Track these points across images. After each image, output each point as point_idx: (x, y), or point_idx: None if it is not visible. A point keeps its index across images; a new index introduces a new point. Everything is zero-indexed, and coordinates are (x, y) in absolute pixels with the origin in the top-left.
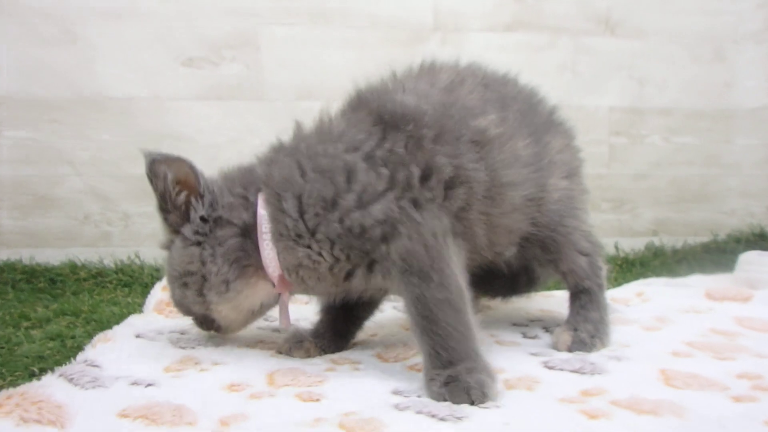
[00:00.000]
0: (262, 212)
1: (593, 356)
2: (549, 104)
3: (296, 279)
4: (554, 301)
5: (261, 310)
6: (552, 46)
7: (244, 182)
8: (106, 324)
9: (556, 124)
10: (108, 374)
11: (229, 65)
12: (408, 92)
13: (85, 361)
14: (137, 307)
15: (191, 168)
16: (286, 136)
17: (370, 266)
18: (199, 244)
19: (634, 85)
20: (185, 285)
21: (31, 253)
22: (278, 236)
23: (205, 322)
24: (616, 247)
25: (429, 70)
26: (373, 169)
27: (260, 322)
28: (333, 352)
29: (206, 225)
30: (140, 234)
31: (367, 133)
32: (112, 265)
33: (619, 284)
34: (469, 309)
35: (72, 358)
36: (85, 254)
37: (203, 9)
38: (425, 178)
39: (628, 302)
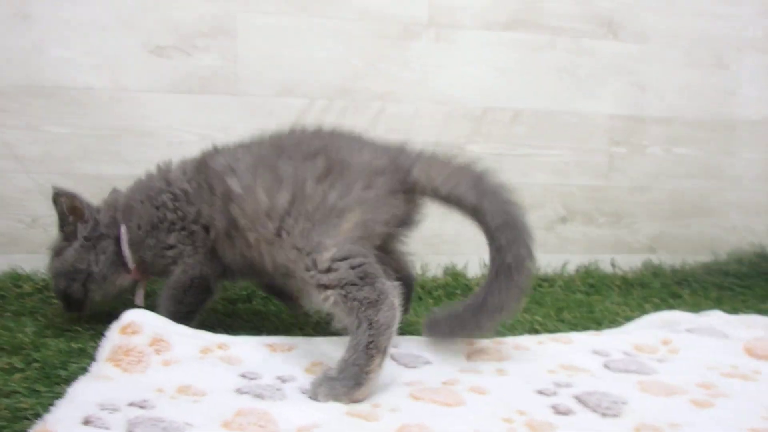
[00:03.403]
0: (123, 229)
1: None
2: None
3: (142, 269)
4: (575, 348)
5: (120, 293)
6: (551, 47)
7: (115, 208)
8: (50, 369)
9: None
10: None
11: (202, 55)
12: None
13: None
14: (89, 339)
15: (80, 201)
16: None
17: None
18: (85, 249)
19: (635, 91)
20: (72, 279)
21: None
22: (130, 243)
23: (75, 305)
24: (613, 265)
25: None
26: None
27: (242, 383)
28: None
29: (88, 241)
30: None
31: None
32: None
33: (623, 312)
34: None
35: None
36: (31, 263)
37: None
38: (195, 221)
39: (655, 352)
